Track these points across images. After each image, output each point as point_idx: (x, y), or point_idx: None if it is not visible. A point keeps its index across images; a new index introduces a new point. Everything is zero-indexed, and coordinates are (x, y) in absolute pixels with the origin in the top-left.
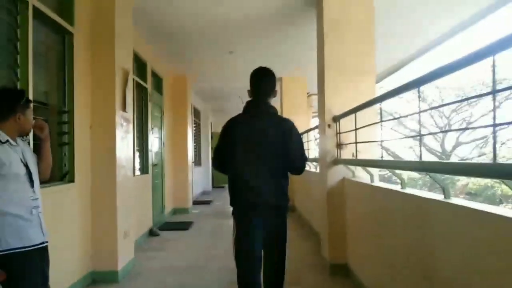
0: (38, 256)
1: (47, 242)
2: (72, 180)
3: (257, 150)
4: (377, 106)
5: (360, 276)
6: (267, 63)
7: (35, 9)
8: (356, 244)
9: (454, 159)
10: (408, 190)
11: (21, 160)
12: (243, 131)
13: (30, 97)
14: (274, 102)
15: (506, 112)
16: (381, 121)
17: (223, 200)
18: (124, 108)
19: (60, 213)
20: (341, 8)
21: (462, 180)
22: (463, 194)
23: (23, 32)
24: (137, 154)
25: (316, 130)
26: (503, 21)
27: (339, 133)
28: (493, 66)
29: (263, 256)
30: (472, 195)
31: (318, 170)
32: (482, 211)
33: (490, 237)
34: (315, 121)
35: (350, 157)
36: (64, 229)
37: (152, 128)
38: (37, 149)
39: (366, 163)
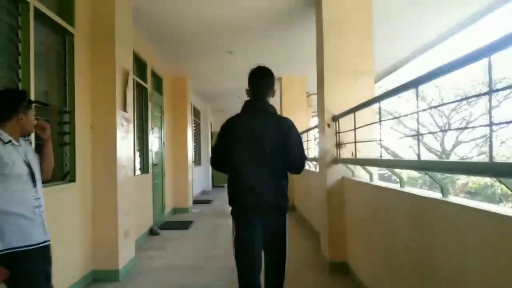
0: (41, 255)
1: (49, 241)
2: (73, 180)
3: (256, 150)
4: (376, 105)
5: (359, 274)
6: (266, 62)
7: (36, 10)
8: (356, 243)
9: (454, 158)
10: (407, 189)
11: (24, 160)
12: (242, 130)
13: (32, 97)
14: (274, 101)
15: (506, 111)
16: (380, 120)
17: (223, 200)
18: (124, 108)
19: (61, 212)
20: (340, 8)
21: (462, 179)
22: (463, 193)
23: (24, 33)
24: (137, 153)
25: (316, 130)
26: (502, 20)
27: (339, 132)
28: (489, 67)
29: (264, 256)
30: (472, 194)
31: (317, 170)
32: (481, 210)
33: (489, 236)
34: (314, 121)
35: (350, 156)
36: (65, 228)
37: (152, 128)
38: (40, 150)
39: (365, 162)
